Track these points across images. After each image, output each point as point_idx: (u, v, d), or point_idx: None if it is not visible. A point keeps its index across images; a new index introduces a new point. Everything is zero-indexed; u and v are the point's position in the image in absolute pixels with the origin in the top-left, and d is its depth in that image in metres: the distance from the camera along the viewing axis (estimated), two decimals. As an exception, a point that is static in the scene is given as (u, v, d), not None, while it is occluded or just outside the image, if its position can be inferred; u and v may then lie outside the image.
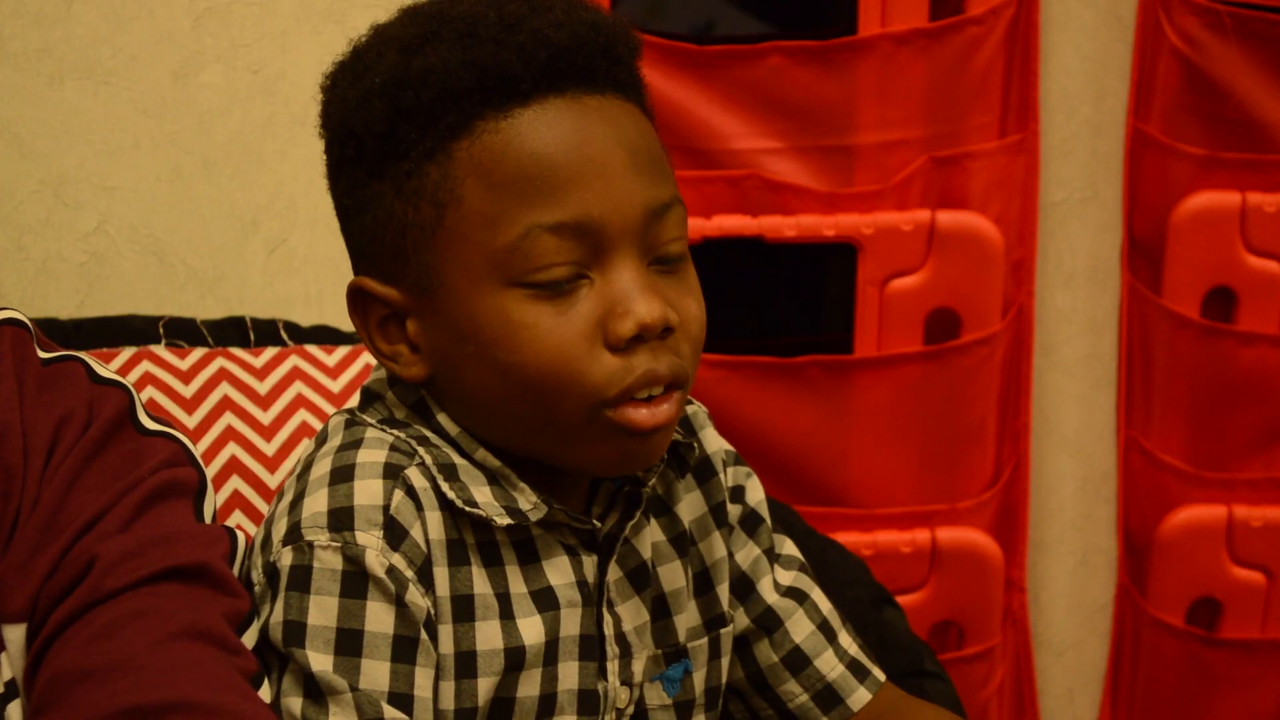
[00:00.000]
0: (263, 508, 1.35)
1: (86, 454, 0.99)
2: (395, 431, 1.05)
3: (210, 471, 1.34)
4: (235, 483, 1.36)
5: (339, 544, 0.99)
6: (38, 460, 0.98)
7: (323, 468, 1.03)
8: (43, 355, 1.03)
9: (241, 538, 1.03)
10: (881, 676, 1.19)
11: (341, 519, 0.99)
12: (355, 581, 0.98)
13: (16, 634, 0.96)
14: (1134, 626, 2.10)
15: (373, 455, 1.02)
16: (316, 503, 1.00)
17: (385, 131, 1.00)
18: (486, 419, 1.04)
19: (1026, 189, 1.98)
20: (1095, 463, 2.11)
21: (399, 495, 1.01)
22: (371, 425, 1.06)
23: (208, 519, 1.02)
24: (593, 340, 1.00)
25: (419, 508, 1.01)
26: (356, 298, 1.05)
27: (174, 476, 1.01)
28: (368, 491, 1.00)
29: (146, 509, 0.99)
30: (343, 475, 1.02)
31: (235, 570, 1.01)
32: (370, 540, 0.99)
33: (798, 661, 1.17)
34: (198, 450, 1.33)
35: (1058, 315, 2.06)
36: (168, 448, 1.02)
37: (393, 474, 1.01)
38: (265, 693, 0.97)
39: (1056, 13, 1.97)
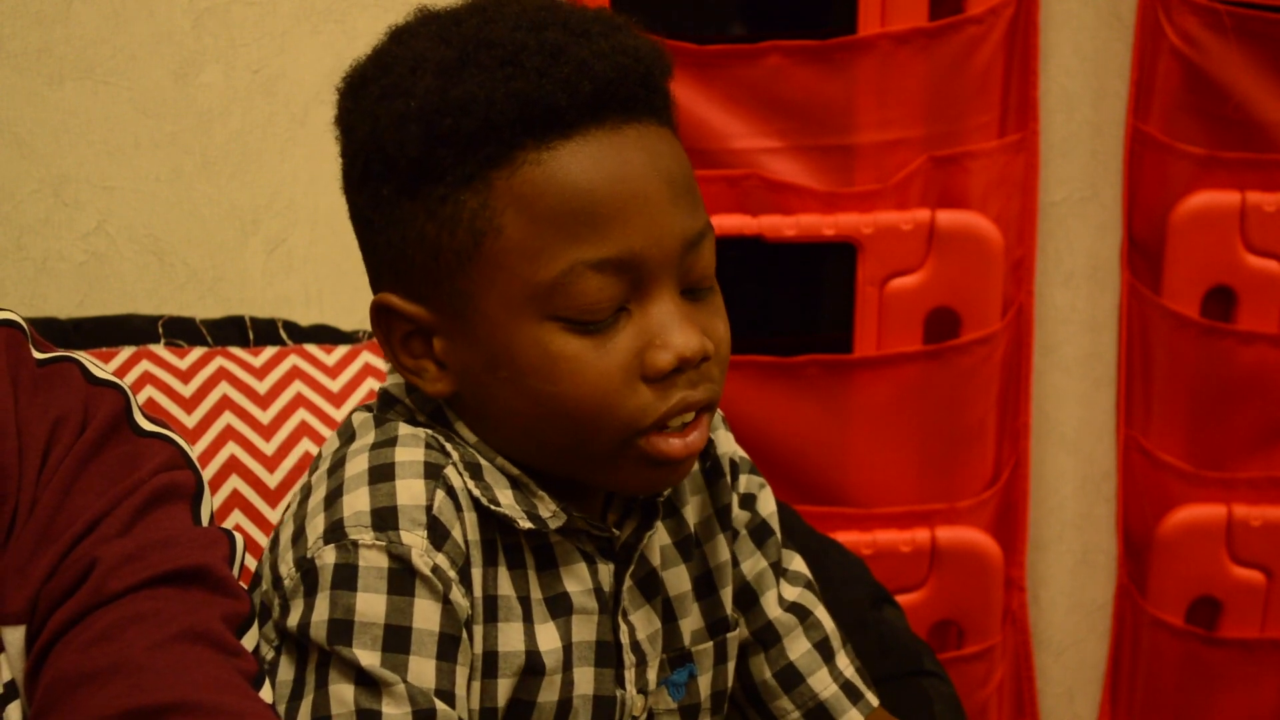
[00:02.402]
0: (262, 507, 1.35)
1: (83, 456, 0.99)
2: (425, 429, 1.04)
3: (210, 471, 1.35)
4: (235, 482, 1.36)
5: (384, 543, 0.98)
6: (33, 462, 0.98)
7: (359, 465, 1.02)
8: (38, 356, 1.03)
9: (240, 540, 1.03)
10: (875, 701, 1.19)
11: (385, 518, 0.99)
12: (402, 579, 0.98)
13: (15, 636, 0.96)
14: (1134, 626, 2.10)
15: (411, 454, 1.02)
16: (358, 501, 1.00)
17: (420, 156, 0.99)
18: (512, 438, 1.04)
19: (1026, 189, 1.98)
20: (1095, 462, 2.11)
21: (440, 495, 1.00)
22: (403, 421, 1.05)
23: (205, 521, 1.02)
24: (631, 372, 0.99)
25: (458, 508, 1.01)
26: (380, 314, 1.04)
27: (172, 480, 1.01)
28: (410, 491, 1.00)
29: (146, 513, 0.98)
30: (383, 474, 1.01)
31: (235, 571, 1.01)
32: (415, 540, 0.98)
33: (791, 678, 1.17)
34: (197, 450, 1.35)
35: (1057, 315, 2.06)
36: (165, 450, 1.02)
37: (433, 474, 1.01)
38: (266, 693, 0.97)
39: (1056, 12, 1.97)
